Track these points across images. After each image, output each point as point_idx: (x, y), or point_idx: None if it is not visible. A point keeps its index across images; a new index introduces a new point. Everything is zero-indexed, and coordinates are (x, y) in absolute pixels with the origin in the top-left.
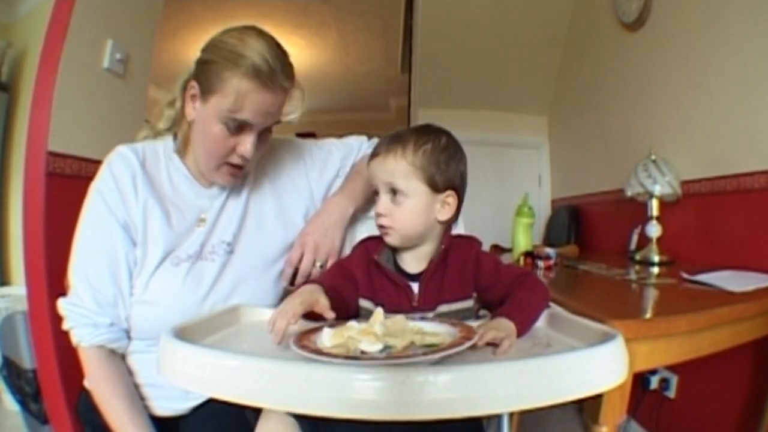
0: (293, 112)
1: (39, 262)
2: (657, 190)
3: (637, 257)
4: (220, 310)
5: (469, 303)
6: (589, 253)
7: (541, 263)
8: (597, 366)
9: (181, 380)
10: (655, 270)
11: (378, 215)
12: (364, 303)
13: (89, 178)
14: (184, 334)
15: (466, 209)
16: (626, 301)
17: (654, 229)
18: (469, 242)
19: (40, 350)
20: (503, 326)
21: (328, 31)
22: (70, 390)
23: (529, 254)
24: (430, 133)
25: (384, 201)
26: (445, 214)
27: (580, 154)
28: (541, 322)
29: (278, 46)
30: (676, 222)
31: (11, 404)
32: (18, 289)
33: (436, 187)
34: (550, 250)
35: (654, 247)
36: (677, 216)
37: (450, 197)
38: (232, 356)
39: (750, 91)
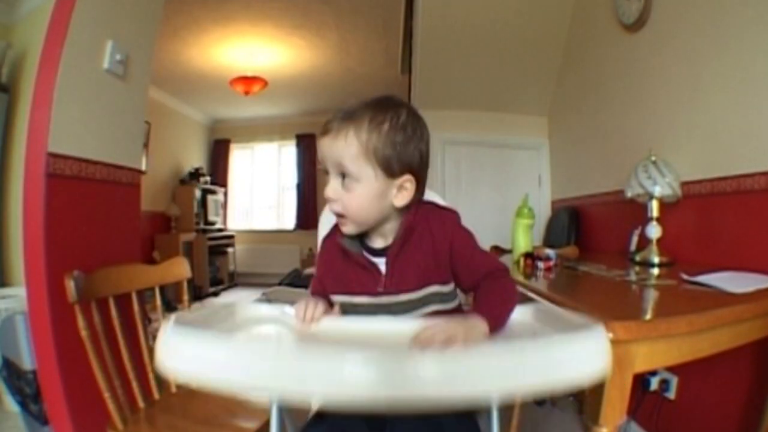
0: None
1: (39, 263)
2: (657, 191)
3: (637, 258)
4: (216, 306)
5: (447, 287)
6: (589, 254)
7: (541, 264)
8: (578, 352)
9: (179, 365)
10: (655, 271)
11: (328, 200)
12: (337, 298)
13: (89, 179)
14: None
15: (466, 209)
16: (626, 302)
17: (654, 230)
18: (445, 215)
19: (40, 351)
20: (466, 325)
21: (328, 31)
22: (70, 391)
23: (529, 255)
24: (387, 108)
25: (334, 185)
26: (401, 200)
27: (580, 155)
28: (527, 317)
29: None
30: (676, 223)
31: (11, 405)
32: (18, 290)
33: (391, 172)
34: (550, 251)
35: (654, 248)
36: (677, 217)
37: (408, 182)
38: (225, 338)
39: (750, 92)
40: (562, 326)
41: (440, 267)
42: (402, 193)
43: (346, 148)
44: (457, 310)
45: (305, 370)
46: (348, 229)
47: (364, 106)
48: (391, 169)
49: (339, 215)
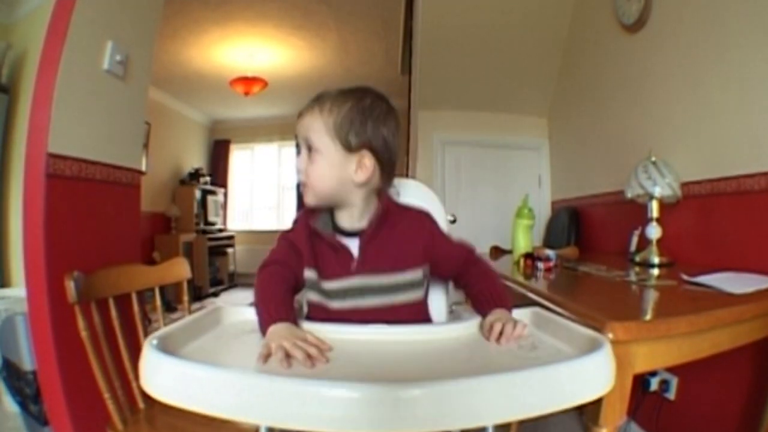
0: None
1: (39, 264)
2: (657, 191)
3: (637, 259)
4: (202, 313)
5: (418, 274)
6: (589, 254)
7: (541, 265)
8: (583, 377)
9: (161, 392)
10: (655, 271)
11: (297, 171)
12: (308, 273)
13: (89, 179)
14: (168, 341)
15: (466, 209)
16: (626, 303)
17: (654, 231)
18: (422, 215)
19: (40, 352)
20: (506, 315)
21: (328, 32)
22: (70, 391)
23: (529, 256)
24: (354, 92)
25: (302, 157)
26: (361, 176)
27: (580, 156)
28: (527, 324)
29: None
30: (676, 223)
31: (11, 406)
32: (18, 290)
33: (348, 146)
34: (550, 252)
35: (654, 248)
36: (677, 217)
37: (366, 158)
38: (202, 367)
39: (750, 92)
40: (564, 337)
41: (413, 255)
42: (361, 169)
43: (311, 123)
44: (424, 302)
45: (289, 407)
46: (308, 198)
47: (335, 90)
48: (347, 142)
49: (302, 185)
